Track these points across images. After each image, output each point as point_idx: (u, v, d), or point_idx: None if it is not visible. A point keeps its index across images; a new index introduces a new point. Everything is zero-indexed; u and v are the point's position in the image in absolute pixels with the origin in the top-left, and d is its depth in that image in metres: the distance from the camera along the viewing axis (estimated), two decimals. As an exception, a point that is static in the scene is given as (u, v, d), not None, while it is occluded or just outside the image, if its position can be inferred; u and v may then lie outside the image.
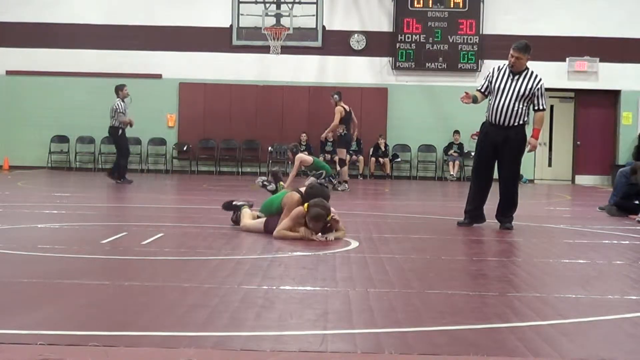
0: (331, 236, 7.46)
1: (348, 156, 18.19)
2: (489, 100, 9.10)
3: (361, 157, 22.35)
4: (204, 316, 4.20)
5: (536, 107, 9.03)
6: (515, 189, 9.18)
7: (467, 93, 9.05)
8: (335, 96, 16.45)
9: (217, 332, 3.91)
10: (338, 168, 16.92)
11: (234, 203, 8.54)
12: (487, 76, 9.15)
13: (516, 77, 8.95)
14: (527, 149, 9.17)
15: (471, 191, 9.28)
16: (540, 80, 8.96)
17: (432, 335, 3.96)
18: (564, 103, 23.33)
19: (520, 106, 8.93)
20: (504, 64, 9.09)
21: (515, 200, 9.13)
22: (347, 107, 16.37)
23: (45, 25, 22.57)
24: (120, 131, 16.82)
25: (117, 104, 16.85)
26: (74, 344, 3.58)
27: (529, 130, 9.15)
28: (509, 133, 8.99)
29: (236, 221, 8.34)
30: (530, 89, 8.91)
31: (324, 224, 7.44)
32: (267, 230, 7.75)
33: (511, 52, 8.95)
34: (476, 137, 10.17)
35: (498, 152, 9.05)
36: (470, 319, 4.31)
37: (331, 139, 19.50)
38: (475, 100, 9.08)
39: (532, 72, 9.00)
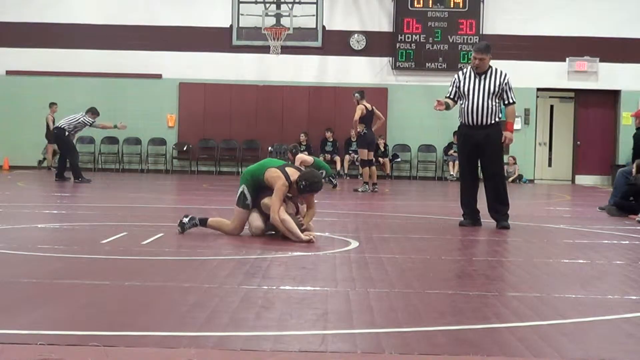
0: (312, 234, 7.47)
1: (354, 155, 17.95)
2: (461, 104, 9.23)
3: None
4: (204, 316, 4.20)
5: (506, 102, 9.22)
6: (504, 185, 9.32)
7: (439, 101, 9.17)
8: (356, 95, 15.94)
9: (217, 332, 3.91)
10: (360, 169, 16.65)
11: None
12: (453, 82, 9.32)
13: (482, 77, 9.16)
14: (504, 143, 9.24)
15: (462, 195, 9.35)
16: (506, 75, 9.21)
17: (432, 335, 3.96)
18: (564, 103, 23.34)
19: (493, 103, 9.12)
20: (467, 68, 9.34)
21: (507, 196, 9.20)
22: (369, 106, 15.74)
23: (45, 25, 22.57)
24: (66, 133, 16.88)
25: (86, 120, 16.98)
26: (74, 344, 3.58)
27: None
28: (489, 132, 9.14)
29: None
30: (499, 85, 9.11)
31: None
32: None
33: (474, 54, 9.25)
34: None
35: (480, 152, 9.15)
36: (470, 319, 4.31)
37: (354, 139, 19.08)
38: (447, 107, 9.23)
39: (496, 70, 9.23)
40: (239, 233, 7.85)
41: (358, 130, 15.79)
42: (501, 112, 9.23)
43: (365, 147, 15.91)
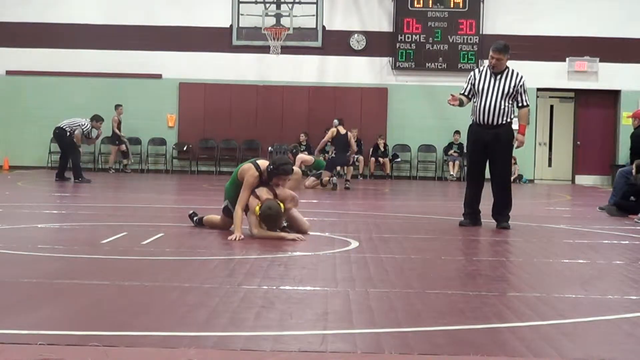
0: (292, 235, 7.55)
1: (354, 156, 18.39)
2: (474, 102, 9.22)
3: (361, 157, 22.34)
4: (204, 316, 4.20)
5: (520, 104, 9.19)
6: (510, 186, 9.30)
7: (453, 95, 9.16)
8: (335, 121, 17.20)
9: (217, 332, 3.91)
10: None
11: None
12: (469, 79, 9.29)
13: (498, 77, 9.13)
14: (515, 145, 9.24)
15: (467, 194, 9.33)
16: (522, 77, 9.17)
17: (432, 335, 3.96)
18: (564, 103, 23.33)
19: (506, 104, 9.09)
20: (484, 66, 9.31)
21: (510, 198, 9.18)
22: (342, 131, 16.95)
23: (45, 25, 22.57)
24: (67, 134, 16.89)
25: (87, 125, 16.97)
26: (74, 344, 3.58)
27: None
28: (499, 132, 9.10)
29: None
30: (514, 86, 9.08)
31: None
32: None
33: (491, 53, 9.15)
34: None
35: (489, 151, 9.12)
36: (470, 319, 4.31)
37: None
38: (461, 103, 9.19)
39: (512, 70, 9.19)
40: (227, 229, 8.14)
41: (329, 152, 17.37)
42: (513, 114, 9.20)
43: (328, 168, 16.56)
